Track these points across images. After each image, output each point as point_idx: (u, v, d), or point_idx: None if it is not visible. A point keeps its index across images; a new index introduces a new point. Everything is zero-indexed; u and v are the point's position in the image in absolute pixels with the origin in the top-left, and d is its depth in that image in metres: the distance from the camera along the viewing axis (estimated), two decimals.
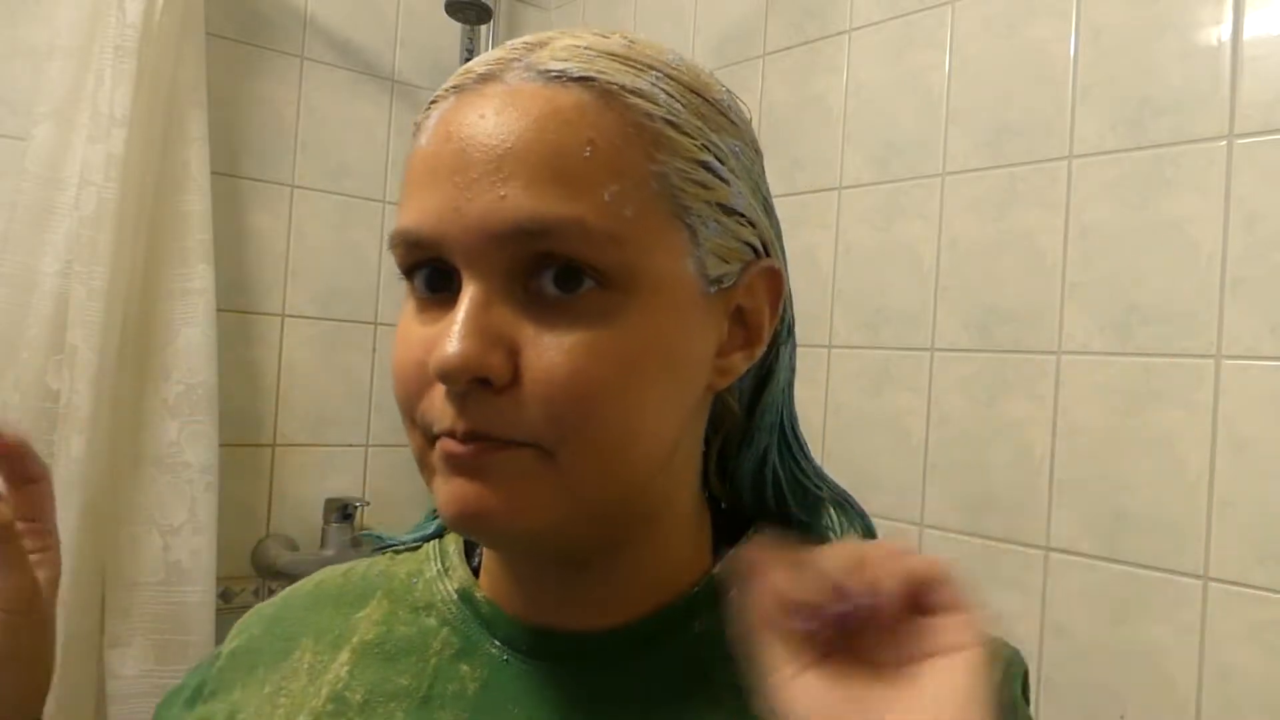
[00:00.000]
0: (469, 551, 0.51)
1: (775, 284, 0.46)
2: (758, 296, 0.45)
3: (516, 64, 0.40)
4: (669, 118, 0.41)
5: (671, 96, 0.41)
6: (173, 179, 1.34)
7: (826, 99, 1.33)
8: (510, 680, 0.45)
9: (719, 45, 1.48)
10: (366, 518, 1.59)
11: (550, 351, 0.38)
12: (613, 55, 0.41)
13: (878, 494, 1.22)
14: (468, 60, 1.95)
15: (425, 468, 0.41)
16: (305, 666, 0.48)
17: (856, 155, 1.29)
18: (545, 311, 0.38)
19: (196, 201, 1.35)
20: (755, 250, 0.45)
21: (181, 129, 1.35)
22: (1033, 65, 1.11)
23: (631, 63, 0.41)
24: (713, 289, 0.42)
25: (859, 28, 1.30)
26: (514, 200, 0.37)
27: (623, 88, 0.40)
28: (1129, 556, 0.99)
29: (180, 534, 1.30)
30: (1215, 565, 0.94)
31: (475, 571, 0.50)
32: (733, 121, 0.44)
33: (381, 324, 1.67)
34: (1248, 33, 0.95)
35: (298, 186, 1.57)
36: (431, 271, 0.41)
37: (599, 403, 0.38)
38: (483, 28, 1.69)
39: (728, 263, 0.43)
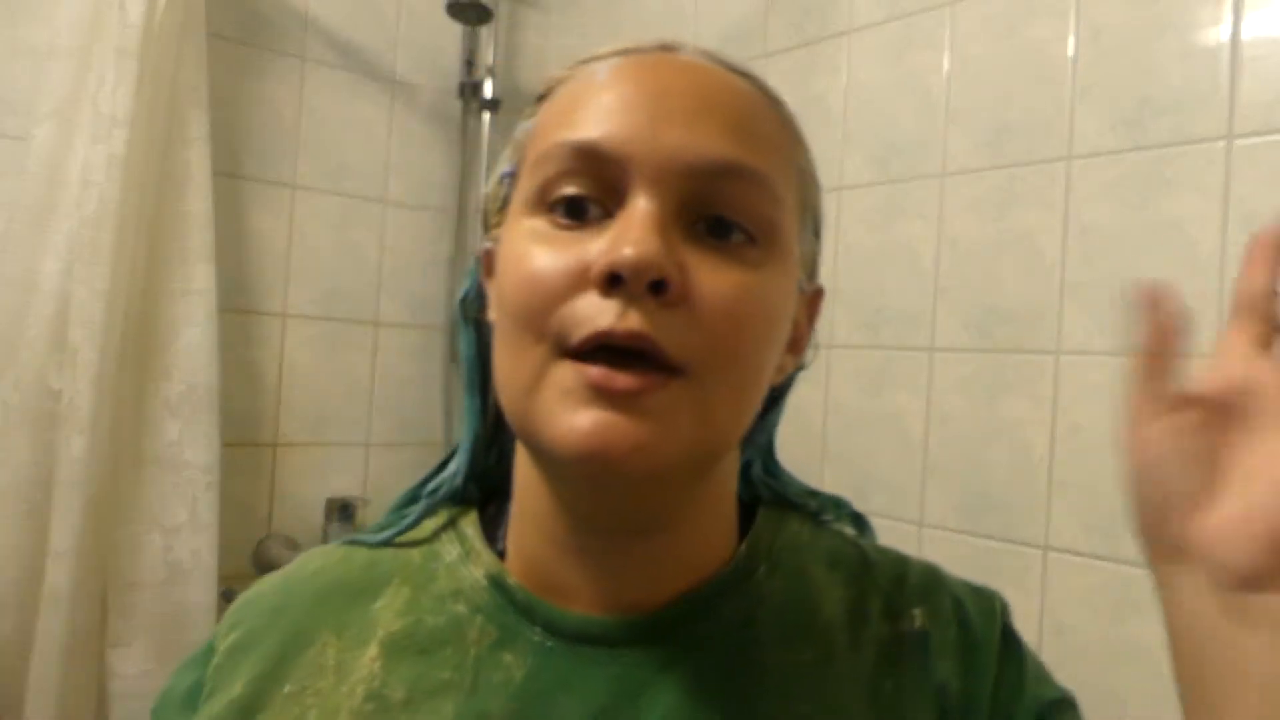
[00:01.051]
0: (489, 535, 0.50)
1: (817, 306, 0.50)
2: (802, 312, 0.49)
3: (679, 47, 0.45)
4: (798, 130, 0.47)
5: (792, 117, 0.47)
6: (174, 179, 1.34)
7: (826, 99, 1.33)
8: (556, 666, 0.44)
9: (719, 45, 1.47)
10: (367, 517, 1.59)
11: (719, 279, 0.40)
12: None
13: (877, 493, 1.22)
14: (468, 61, 1.91)
15: (539, 389, 0.39)
16: (331, 664, 0.46)
17: (856, 155, 1.29)
18: (702, 249, 0.40)
19: (197, 202, 1.35)
20: (811, 272, 0.49)
21: (183, 129, 1.35)
22: (1033, 65, 1.12)
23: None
24: (801, 287, 0.47)
25: (859, 28, 1.30)
26: (713, 139, 0.41)
27: (770, 91, 0.46)
28: (1128, 556, 0.99)
29: (181, 534, 1.30)
30: None
31: (499, 555, 0.49)
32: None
33: (381, 324, 1.67)
34: (1247, 33, 0.95)
35: (298, 187, 1.57)
36: (572, 200, 0.41)
37: (751, 338, 0.41)
38: (483, 28, 1.69)
39: (803, 272, 0.47)
